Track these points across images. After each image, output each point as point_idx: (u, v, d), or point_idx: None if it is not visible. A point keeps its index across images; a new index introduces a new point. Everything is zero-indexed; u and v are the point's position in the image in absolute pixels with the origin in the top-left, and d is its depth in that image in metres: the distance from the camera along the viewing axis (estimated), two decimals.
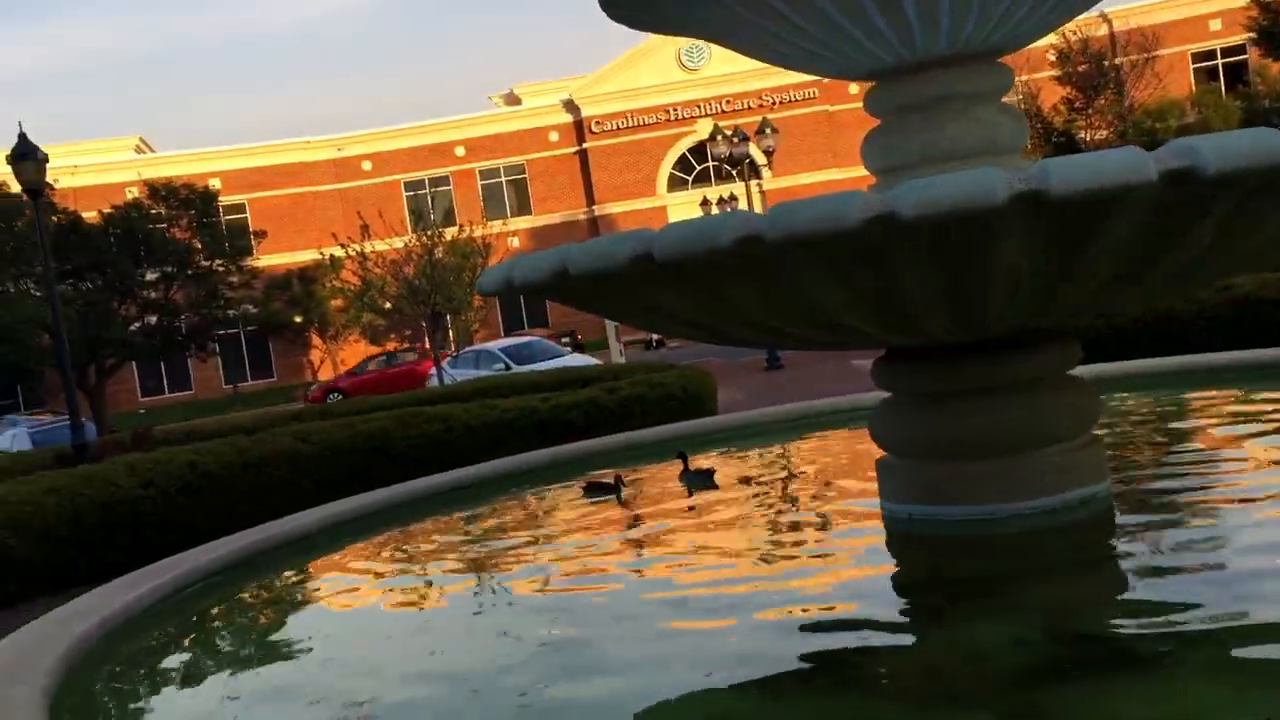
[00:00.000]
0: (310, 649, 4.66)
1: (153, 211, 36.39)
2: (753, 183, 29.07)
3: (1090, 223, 3.52)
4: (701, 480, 6.58)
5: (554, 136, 54.21)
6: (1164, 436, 6.66)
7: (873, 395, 9.80)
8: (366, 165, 54.39)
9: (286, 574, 6.14)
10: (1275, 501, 4.89)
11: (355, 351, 51.77)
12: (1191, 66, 49.60)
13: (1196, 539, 4.47)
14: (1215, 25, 49.15)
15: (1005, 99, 5.13)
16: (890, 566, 4.80)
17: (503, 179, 54.62)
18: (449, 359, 24.27)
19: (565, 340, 36.33)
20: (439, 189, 52.87)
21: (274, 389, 50.36)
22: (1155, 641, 3.43)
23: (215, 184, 42.83)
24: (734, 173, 49.25)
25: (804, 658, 3.71)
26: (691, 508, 6.19)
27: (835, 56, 4.96)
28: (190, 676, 4.52)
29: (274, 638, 5.00)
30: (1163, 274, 3.95)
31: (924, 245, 3.66)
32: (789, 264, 3.83)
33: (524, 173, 54.46)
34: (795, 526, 5.62)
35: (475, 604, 5.05)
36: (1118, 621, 3.68)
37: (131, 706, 4.28)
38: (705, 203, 43.43)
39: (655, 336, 41.79)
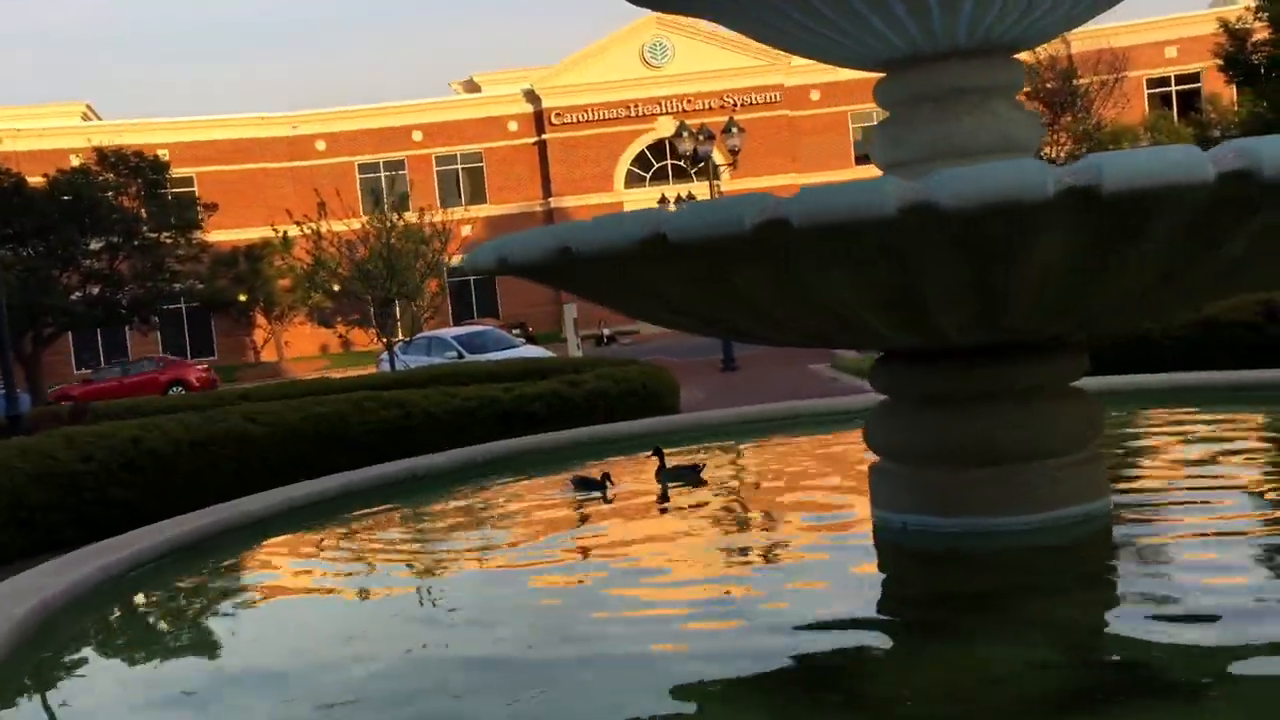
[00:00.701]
0: (254, 639, 4.36)
1: (100, 179, 35.38)
2: (714, 184, 28.89)
3: (1136, 222, 3.33)
4: (685, 476, 6.38)
5: (513, 126, 53.70)
6: (1152, 453, 6.53)
7: (844, 400, 9.68)
8: (321, 145, 53.49)
9: (234, 560, 5.80)
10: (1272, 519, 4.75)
11: (300, 334, 50.90)
12: (1146, 92, 50.29)
13: (1204, 556, 4.31)
14: (1171, 53, 49.87)
15: None
16: (887, 579, 4.58)
17: (459, 166, 54.00)
18: (399, 345, 23.80)
19: (516, 331, 35.95)
20: (394, 173, 52.10)
21: (215, 367, 49.36)
22: (1180, 667, 3.24)
23: (164, 155, 41.74)
24: (692, 173, 49.20)
25: (807, 674, 3.48)
26: (664, 510, 5.96)
27: (851, 44, 4.74)
28: (133, 664, 4.20)
29: (216, 626, 4.67)
30: (1194, 281, 3.77)
31: (957, 238, 3.45)
32: (809, 253, 3.60)
33: (481, 161, 53.87)
34: (778, 532, 5.39)
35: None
36: (1138, 644, 3.49)
37: (67, 695, 3.94)
38: (663, 200, 43.12)
39: (607, 332, 41.53)
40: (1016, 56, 4.95)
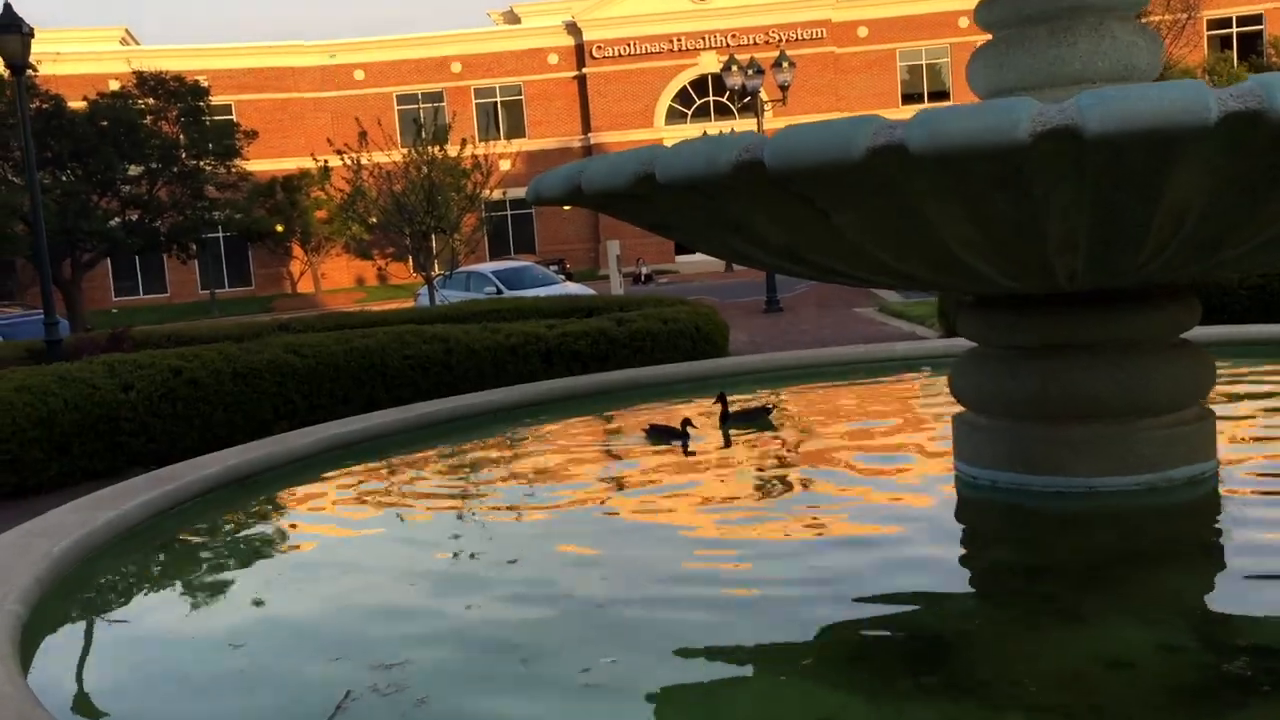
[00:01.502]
0: (309, 582, 4.10)
1: (139, 104, 35.05)
2: (758, 120, 28.22)
3: None
4: (755, 419, 6.07)
5: (553, 59, 52.85)
6: (1254, 410, 6.13)
7: (907, 345, 9.31)
8: (359, 75, 52.90)
9: (281, 497, 5.56)
10: None
11: (337, 266, 50.76)
12: (1206, 34, 48.76)
13: None
14: None
15: None
16: (980, 543, 4.24)
17: (498, 99, 53.30)
18: (438, 279, 23.51)
19: (554, 268, 35.54)
20: (433, 105, 51.49)
21: (251, 298, 49.38)
22: None
23: (203, 81, 41.36)
24: (735, 109, 48.26)
25: (901, 651, 3.17)
26: (729, 461, 5.65)
27: None
28: (176, 614, 3.96)
29: (263, 571, 4.43)
30: None
31: (1095, 169, 3.07)
32: (921, 184, 3.23)
33: (520, 94, 53.14)
34: (855, 488, 5.06)
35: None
36: (1272, 626, 3.16)
37: (111, 637, 3.70)
38: (705, 136, 42.44)
39: (645, 270, 41.06)
40: None
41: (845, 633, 3.33)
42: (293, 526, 5.13)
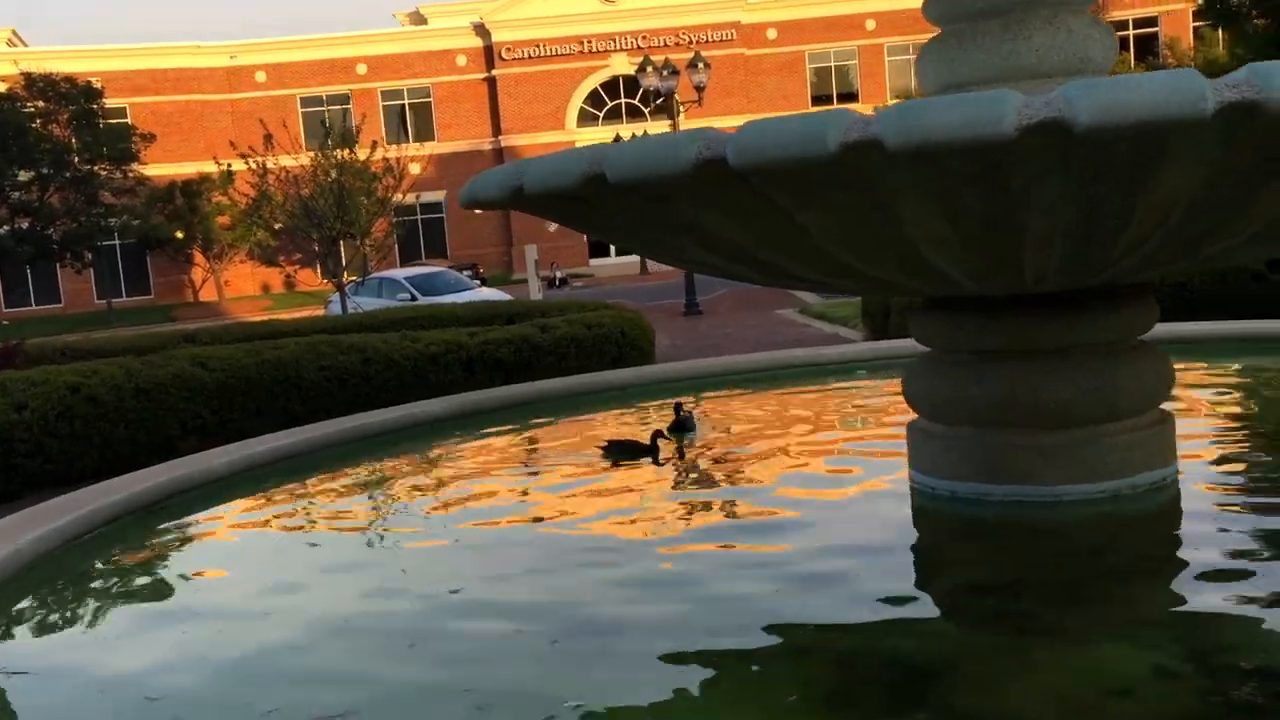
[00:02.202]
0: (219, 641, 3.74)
1: (28, 108, 33.68)
2: (669, 123, 28.07)
3: None
4: (685, 425, 5.77)
5: (462, 60, 52.21)
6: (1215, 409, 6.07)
7: (840, 349, 9.16)
8: (261, 76, 51.65)
9: (194, 521, 5.16)
10: None
11: (240, 273, 49.47)
12: None
13: None
14: None
15: None
16: (948, 557, 4.05)
17: (406, 101, 52.48)
18: (350, 285, 22.87)
19: (467, 273, 34.97)
20: (338, 107, 50.48)
21: (151, 307, 47.82)
22: None
23: (96, 83, 39.84)
24: (647, 112, 48.13)
25: (879, 678, 2.95)
26: (673, 471, 5.39)
27: None
28: (84, 665, 3.57)
29: (138, 615, 4.05)
30: None
31: (1076, 164, 2.88)
32: (894, 180, 3.01)
33: (429, 96, 52.39)
34: (804, 497, 4.84)
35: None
36: (1268, 645, 3.01)
37: None
38: (618, 140, 42.26)
39: (560, 274, 40.71)
40: None
41: (817, 667, 3.09)
42: (184, 577, 4.74)
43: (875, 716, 2.79)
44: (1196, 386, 6.44)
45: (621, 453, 5.48)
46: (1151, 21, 48.79)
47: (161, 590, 4.28)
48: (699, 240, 3.68)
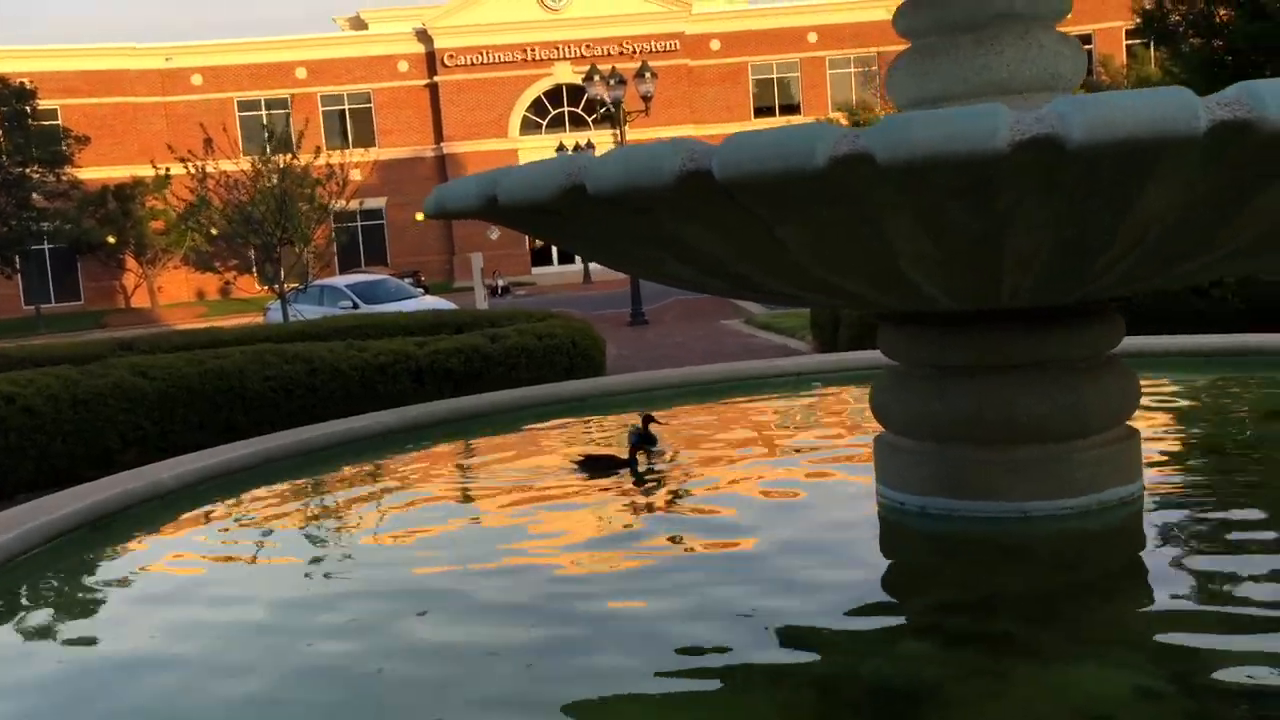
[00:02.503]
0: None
1: None
2: (613, 133, 28.04)
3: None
4: (645, 438, 5.67)
5: (403, 66, 51.81)
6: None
7: (790, 360, 9.15)
8: (197, 79, 50.85)
9: (134, 540, 4.98)
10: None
11: (175, 279, 48.58)
12: None
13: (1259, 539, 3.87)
14: None
15: None
16: (918, 574, 4.01)
17: (346, 107, 51.96)
18: (292, 292, 22.48)
19: (409, 280, 34.63)
20: (277, 111, 49.79)
21: (82, 313, 46.78)
22: None
23: (28, 85, 38.88)
24: (590, 121, 48.09)
25: (857, 703, 2.90)
26: (644, 485, 5.31)
27: None
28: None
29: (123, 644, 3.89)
30: None
31: (1065, 181, 2.86)
32: (880, 196, 2.97)
33: (369, 102, 51.92)
34: (768, 513, 4.79)
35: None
36: (1247, 661, 3.00)
37: None
38: (561, 149, 42.18)
39: (502, 282, 40.48)
40: None
41: (797, 692, 3.03)
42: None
43: None
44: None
45: (597, 467, 5.35)
46: (1086, 39, 49.79)
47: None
48: (676, 253, 3.61)
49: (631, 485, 5.23)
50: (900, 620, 3.56)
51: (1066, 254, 3.23)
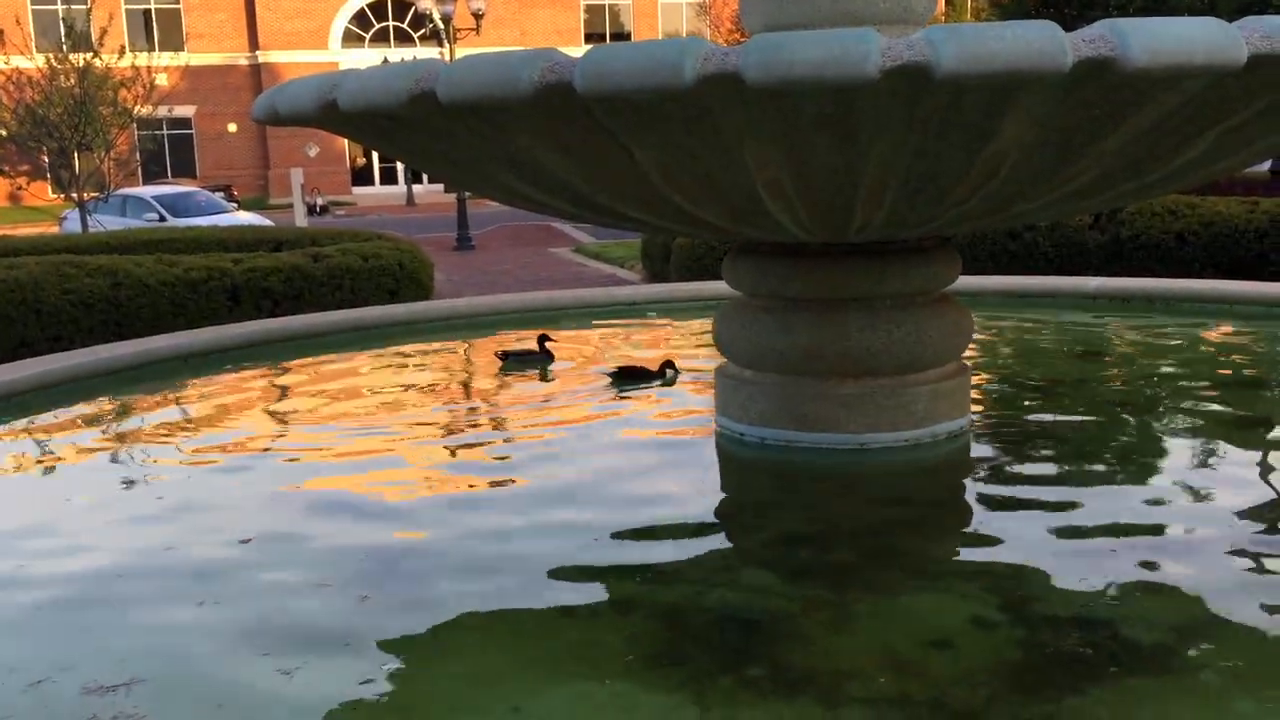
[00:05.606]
0: None
1: None
2: (440, 51, 27.15)
3: (1141, 103, 2.81)
4: (532, 360, 5.97)
5: None
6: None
7: (627, 290, 9.07)
8: None
9: None
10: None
11: None
12: None
13: (1107, 481, 4.03)
14: None
15: None
16: (760, 506, 3.99)
17: (152, 6, 48.69)
18: (92, 202, 21.02)
19: (221, 195, 32.93)
20: (76, 6, 46.17)
21: None
22: (1137, 623, 2.86)
23: None
24: (416, 37, 46.50)
25: (718, 640, 2.86)
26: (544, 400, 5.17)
27: None
28: None
29: None
30: (1160, 171, 3.32)
31: (926, 112, 2.83)
32: (745, 119, 2.88)
33: (178, 3, 48.80)
34: (608, 442, 4.73)
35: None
36: (1075, 594, 3.10)
37: None
38: (385, 64, 40.61)
39: (320, 201, 38.98)
40: None
41: (645, 623, 2.98)
42: None
43: (711, 675, 2.69)
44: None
45: (632, 378, 5.60)
46: None
47: None
48: (527, 176, 3.44)
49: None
50: (742, 551, 3.54)
51: (919, 189, 3.22)
